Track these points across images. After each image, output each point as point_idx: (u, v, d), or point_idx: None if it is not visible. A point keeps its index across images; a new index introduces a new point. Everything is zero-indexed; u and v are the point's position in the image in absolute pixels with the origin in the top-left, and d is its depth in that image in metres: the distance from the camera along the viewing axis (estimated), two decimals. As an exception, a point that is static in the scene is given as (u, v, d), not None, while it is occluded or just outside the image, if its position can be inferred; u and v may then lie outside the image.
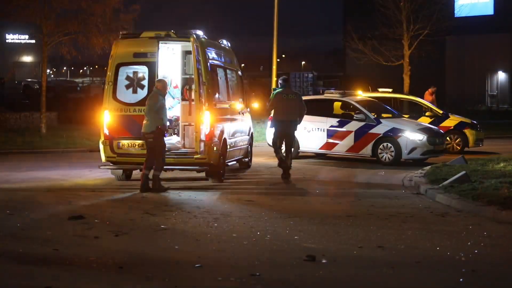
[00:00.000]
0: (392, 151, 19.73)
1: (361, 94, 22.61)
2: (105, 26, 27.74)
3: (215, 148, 15.46)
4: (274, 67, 29.80)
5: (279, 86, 17.41)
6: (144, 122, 14.44)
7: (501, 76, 58.02)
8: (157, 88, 14.59)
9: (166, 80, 15.24)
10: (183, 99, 17.20)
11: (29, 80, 66.21)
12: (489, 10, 55.30)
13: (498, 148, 24.22)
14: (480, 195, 12.75)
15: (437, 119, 23.33)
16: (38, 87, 49.79)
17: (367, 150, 20.04)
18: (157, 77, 15.81)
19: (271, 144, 21.23)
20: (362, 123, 20.18)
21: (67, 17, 28.76)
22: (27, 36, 79.63)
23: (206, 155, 15.28)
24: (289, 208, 12.64)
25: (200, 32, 15.87)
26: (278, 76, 31.50)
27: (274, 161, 19.33)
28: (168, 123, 15.11)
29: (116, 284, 7.79)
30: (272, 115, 17.66)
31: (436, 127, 21.53)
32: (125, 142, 15.59)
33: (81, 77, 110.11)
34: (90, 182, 16.03)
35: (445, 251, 9.26)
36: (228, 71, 17.73)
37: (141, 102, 15.62)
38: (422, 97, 25.45)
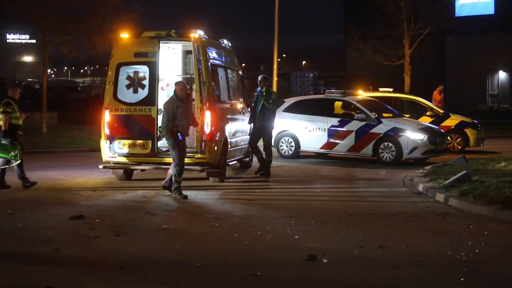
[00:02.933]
0: (393, 151, 19.73)
1: (361, 94, 22.60)
2: (106, 25, 27.75)
3: (216, 148, 15.46)
4: (275, 66, 29.81)
5: (267, 85, 17.52)
6: None
7: (502, 75, 58.07)
8: (174, 91, 13.93)
9: (183, 82, 14.39)
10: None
11: (29, 80, 66.22)
12: (490, 10, 55.33)
13: (499, 148, 24.22)
14: (481, 195, 12.74)
15: (438, 119, 23.32)
16: (38, 87, 49.81)
17: (368, 150, 20.04)
18: (158, 77, 15.81)
19: (273, 144, 21.28)
20: (363, 123, 20.17)
21: (68, 17, 28.77)
22: (27, 36, 79.71)
23: (207, 154, 15.29)
24: (290, 208, 12.63)
25: (200, 32, 15.87)
26: (278, 76, 31.56)
27: (275, 161, 19.35)
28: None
29: (117, 284, 7.78)
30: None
31: (437, 127, 21.52)
32: (126, 142, 15.59)
33: (82, 77, 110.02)
34: (91, 182, 16.03)
35: (446, 251, 9.25)
36: (229, 70, 17.73)
37: (141, 102, 15.63)
38: (423, 97, 25.42)
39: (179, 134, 13.67)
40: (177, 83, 13.99)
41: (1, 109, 14.55)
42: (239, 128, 17.59)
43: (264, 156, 17.40)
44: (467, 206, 12.41)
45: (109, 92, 15.71)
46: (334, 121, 20.57)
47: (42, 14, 27.83)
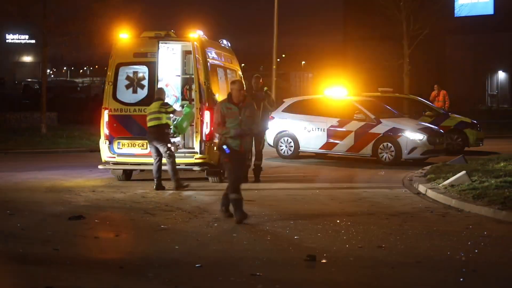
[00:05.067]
0: (392, 151, 19.72)
1: (361, 94, 22.60)
2: (105, 26, 27.74)
3: (215, 148, 15.45)
4: (274, 67, 29.81)
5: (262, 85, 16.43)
6: None
7: (501, 75, 58.08)
8: (230, 92, 11.46)
9: (241, 82, 11.56)
10: (183, 99, 17.22)
11: (29, 80, 66.28)
12: (489, 10, 55.32)
13: (498, 148, 24.21)
14: (481, 195, 12.76)
15: (437, 119, 23.33)
16: (38, 87, 49.86)
17: (367, 150, 20.04)
18: (157, 77, 15.80)
19: (272, 144, 21.30)
20: (362, 123, 20.17)
21: (67, 17, 28.78)
22: (27, 36, 79.84)
23: (206, 154, 15.30)
24: (289, 208, 12.63)
25: (200, 32, 15.88)
26: (278, 76, 31.55)
27: (274, 161, 19.37)
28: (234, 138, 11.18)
29: (117, 284, 7.78)
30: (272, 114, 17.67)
31: (436, 127, 21.52)
32: (125, 142, 15.61)
33: (81, 77, 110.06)
34: (90, 182, 16.03)
35: (446, 251, 9.25)
36: (228, 70, 17.73)
37: (141, 102, 15.66)
38: (422, 97, 25.42)
39: (225, 146, 11.26)
40: (233, 82, 11.54)
41: (170, 110, 14.90)
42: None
43: (255, 163, 16.24)
44: (467, 206, 12.41)
45: (108, 92, 15.73)
46: (334, 121, 20.57)
47: (41, 14, 27.82)
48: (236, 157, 11.22)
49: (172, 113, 15.04)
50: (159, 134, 14.73)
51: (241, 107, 11.20)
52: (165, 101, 15.15)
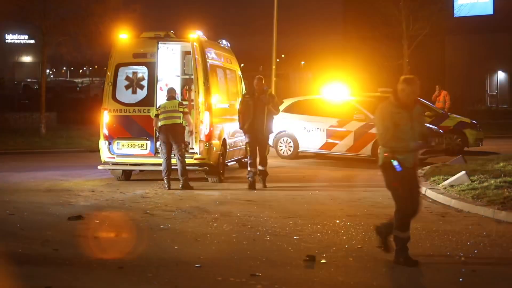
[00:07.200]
0: (392, 151, 19.69)
1: (360, 94, 22.60)
2: (105, 26, 27.74)
3: (214, 149, 15.47)
4: (274, 67, 29.80)
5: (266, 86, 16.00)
6: None
7: (501, 76, 58.06)
8: (394, 93, 8.90)
9: (414, 79, 8.98)
10: (182, 99, 17.21)
11: (28, 80, 66.24)
12: (489, 10, 55.29)
13: (497, 148, 24.21)
14: (480, 195, 12.76)
15: (437, 119, 23.32)
16: (37, 87, 49.84)
17: (366, 150, 20.03)
18: (157, 78, 15.81)
19: (271, 144, 21.29)
20: (362, 123, 20.18)
21: (67, 17, 28.78)
22: (26, 36, 79.88)
23: (205, 155, 15.30)
24: (288, 208, 12.63)
25: (199, 32, 15.88)
26: (277, 76, 31.55)
27: (273, 162, 19.37)
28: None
29: (116, 284, 7.79)
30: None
31: (435, 127, 21.52)
32: (124, 143, 15.61)
33: (81, 77, 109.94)
34: (89, 182, 16.03)
35: (445, 251, 9.26)
36: (227, 71, 17.74)
37: (140, 103, 15.67)
38: (422, 97, 25.39)
39: (395, 162, 8.61)
40: (406, 81, 8.79)
41: (186, 110, 15.15)
42: (237, 129, 17.57)
43: (260, 168, 15.52)
44: (466, 206, 12.41)
45: (107, 92, 15.75)
46: (333, 121, 20.58)
47: (41, 14, 27.82)
48: (408, 177, 8.71)
49: (185, 114, 15.10)
50: (177, 133, 14.79)
51: (411, 112, 8.77)
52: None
